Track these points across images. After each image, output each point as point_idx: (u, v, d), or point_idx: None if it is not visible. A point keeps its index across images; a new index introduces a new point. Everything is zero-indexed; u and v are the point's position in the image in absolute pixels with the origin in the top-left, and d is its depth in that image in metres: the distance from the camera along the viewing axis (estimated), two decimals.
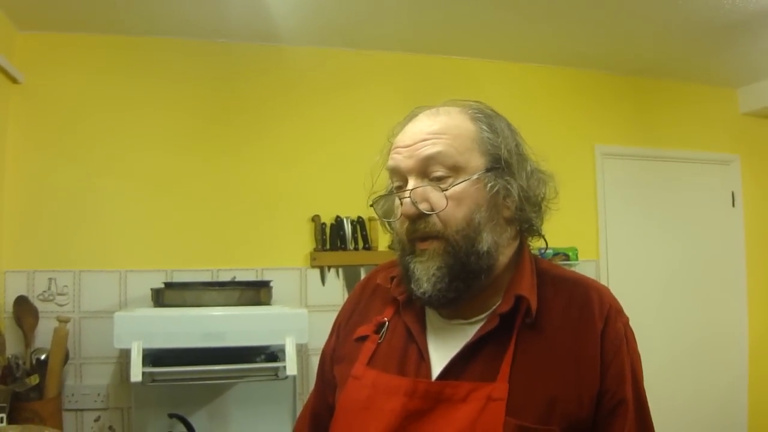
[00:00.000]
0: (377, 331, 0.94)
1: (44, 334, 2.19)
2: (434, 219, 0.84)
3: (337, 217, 2.60)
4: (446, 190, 0.83)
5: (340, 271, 2.60)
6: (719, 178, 3.23)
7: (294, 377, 1.94)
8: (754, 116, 3.28)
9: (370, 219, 2.58)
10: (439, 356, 0.86)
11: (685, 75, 3.11)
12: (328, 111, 2.65)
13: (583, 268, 2.80)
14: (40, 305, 2.26)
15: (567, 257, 2.78)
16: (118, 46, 2.45)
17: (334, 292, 2.57)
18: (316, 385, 1.07)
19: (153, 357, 1.90)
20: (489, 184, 0.85)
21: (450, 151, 0.84)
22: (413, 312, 0.92)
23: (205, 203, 2.48)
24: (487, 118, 0.90)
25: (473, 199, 0.84)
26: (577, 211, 2.91)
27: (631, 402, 0.82)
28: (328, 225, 2.59)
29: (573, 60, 2.90)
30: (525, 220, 0.89)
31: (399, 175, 0.88)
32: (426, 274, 0.84)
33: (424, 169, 0.85)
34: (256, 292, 2.14)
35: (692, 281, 3.11)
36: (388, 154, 0.91)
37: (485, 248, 0.84)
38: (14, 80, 2.31)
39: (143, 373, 1.78)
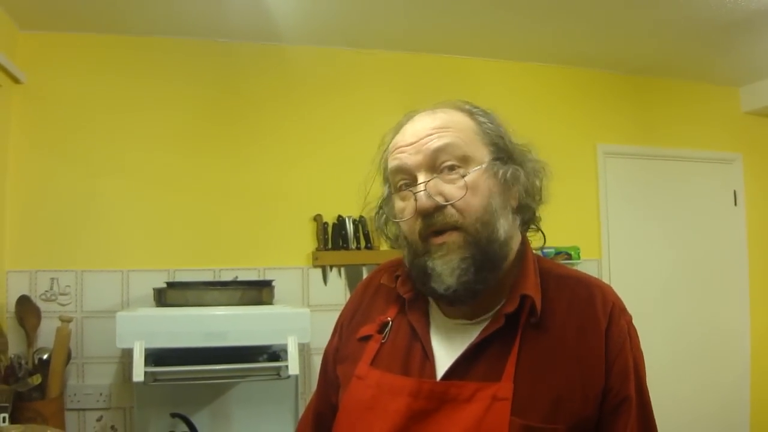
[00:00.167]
0: (380, 331, 0.93)
1: (47, 333, 2.19)
2: (451, 210, 0.83)
3: (339, 216, 2.60)
4: (464, 176, 0.83)
5: (342, 270, 2.60)
6: (721, 177, 3.23)
7: (296, 377, 1.94)
8: (756, 115, 3.28)
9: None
10: (444, 356, 0.86)
11: (687, 74, 3.10)
12: (330, 110, 2.65)
13: (585, 266, 2.79)
14: (42, 305, 2.26)
15: (569, 256, 2.78)
16: (119, 45, 2.46)
17: (337, 292, 2.57)
18: (318, 385, 1.06)
19: (155, 357, 1.90)
20: (500, 172, 0.85)
21: (458, 142, 0.85)
22: (418, 311, 0.92)
23: (207, 203, 2.48)
24: (483, 112, 0.91)
25: (487, 186, 0.84)
26: (579, 210, 2.91)
27: (635, 399, 0.82)
28: (330, 224, 2.59)
29: (574, 59, 2.90)
30: (528, 210, 0.90)
31: (405, 173, 0.87)
32: (448, 268, 0.82)
33: (434, 163, 0.85)
34: (258, 291, 2.14)
35: (694, 280, 3.10)
36: (385, 160, 0.91)
37: (503, 236, 0.85)
38: (16, 80, 2.31)
39: (145, 373, 1.79)
